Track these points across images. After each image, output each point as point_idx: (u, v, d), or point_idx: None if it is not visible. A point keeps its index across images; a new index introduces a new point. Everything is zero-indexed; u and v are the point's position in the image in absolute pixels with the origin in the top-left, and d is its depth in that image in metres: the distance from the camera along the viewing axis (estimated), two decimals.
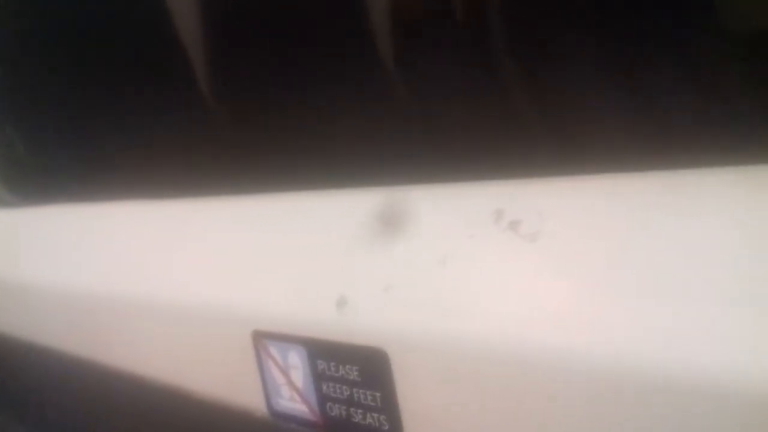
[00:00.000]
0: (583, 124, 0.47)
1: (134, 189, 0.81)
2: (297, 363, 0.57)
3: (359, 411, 0.53)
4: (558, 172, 0.46)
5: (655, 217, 0.41)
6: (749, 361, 0.34)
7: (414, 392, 0.49)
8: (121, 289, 0.78)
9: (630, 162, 0.43)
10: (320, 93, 0.60)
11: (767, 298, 0.35)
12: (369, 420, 0.52)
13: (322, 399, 0.55)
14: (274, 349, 0.58)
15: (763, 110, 0.40)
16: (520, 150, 0.50)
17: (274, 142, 0.65)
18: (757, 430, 0.35)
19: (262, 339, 0.59)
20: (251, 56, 0.65)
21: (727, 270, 0.37)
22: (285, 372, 0.58)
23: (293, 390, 0.58)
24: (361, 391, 0.52)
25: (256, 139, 0.67)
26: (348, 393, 0.53)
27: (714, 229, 0.38)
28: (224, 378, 0.66)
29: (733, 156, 0.39)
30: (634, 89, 0.45)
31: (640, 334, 0.38)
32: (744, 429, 0.35)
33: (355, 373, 0.52)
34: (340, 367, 0.53)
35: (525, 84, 0.49)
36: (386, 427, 0.51)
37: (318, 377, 0.55)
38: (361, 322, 0.52)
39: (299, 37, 0.60)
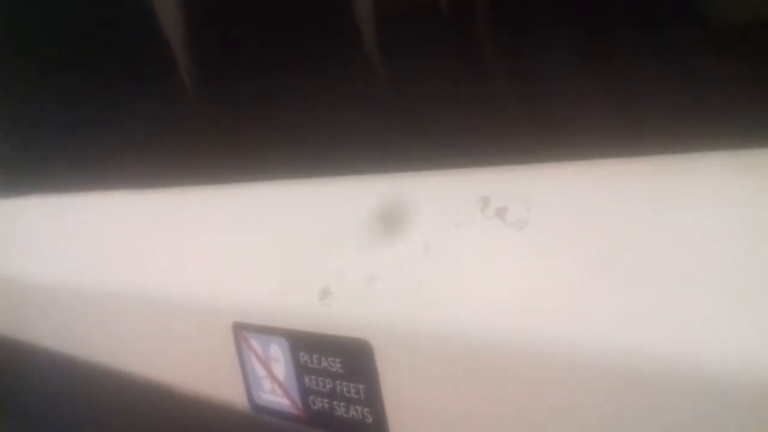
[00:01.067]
0: (569, 110, 0.46)
1: (113, 180, 0.80)
2: (278, 355, 0.55)
3: (342, 404, 0.52)
4: (544, 159, 0.45)
5: (644, 202, 0.40)
6: (744, 351, 0.34)
7: (398, 384, 0.48)
8: (98, 281, 0.77)
9: (617, 147, 0.42)
10: (303, 82, 0.59)
11: (760, 286, 0.35)
12: (352, 413, 0.51)
13: (305, 392, 0.54)
14: (255, 342, 0.57)
15: (744, 96, 0.39)
16: (505, 136, 0.49)
17: (255, 133, 0.64)
18: (748, 417, 0.34)
19: (242, 331, 0.58)
20: (233, 47, 0.64)
21: (719, 256, 0.36)
22: (266, 364, 0.57)
23: (275, 383, 0.57)
24: (344, 383, 0.51)
25: (237, 129, 0.66)
26: (331, 386, 0.52)
27: (704, 214, 0.38)
28: (204, 371, 0.65)
29: (719, 141, 0.38)
30: (619, 75, 0.44)
31: (631, 324, 0.37)
32: (736, 417, 0.34)
33: (338, 365, 0.51)
34: (323, 359, 0.52)
35: (510, 70, 0.49)
36: (370, 420, 0.50)
37: (300, 370, 0.54)
38: (344, 313, 0.51)
39: (282, 27, 0.59)
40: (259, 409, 0.59)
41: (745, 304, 0.35)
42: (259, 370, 0.58)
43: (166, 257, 0.69)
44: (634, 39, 0.43)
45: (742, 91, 0.40)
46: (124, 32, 0.72)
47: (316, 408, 0.54)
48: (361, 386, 0.50)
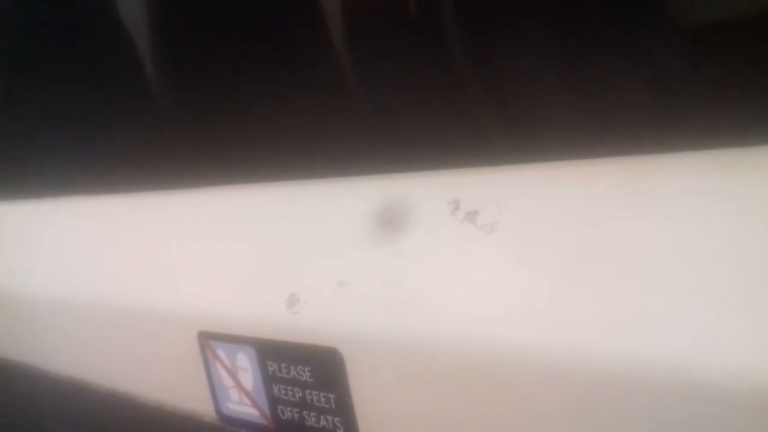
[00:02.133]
0: (539, 111, 0.46)
1: (74, 185, 0.77)
2: (246, 365, 0.54)
3: (312, 414, 0.51)
4: (515, 160, 0.45)
5: (615, 203, 0.39)
6: (723, 352, 0.33)
7: (369, 393, 0.47)
8: (57, 289, 0.74)
9: (588, 148, 0.42)
10: (271, 87, 0.57)
11: (736, 286, 0.34)
12: (323, 423, 0.50)
13: (273, 402, 0.53)
14: (221, 351, 0.56)
15: (713, 95, 0.39)
16: (475, 138, 0.48)
17: (220, 137, 0.63)
18: (729, 420, 0.34)
19: (208, 340, 0.56)
20: (201, 51, 0.62)
21: (693, 256, 0.36)
22: (233, 374, 0.55)
23: (242, 393, 0.55)
24: (314, 392, 0.50)
25: (202, 134, 0.64)
26: (300, 395, 0.51)
27: (676, 214, 0.37)
28: (169, 382, 0.63)
29: (691, 140, 0.38)
30: (589, 75, 0.43)
31: (604, 327, 0.37)
32: (714, 420, 0.34)
33: (308, 374, 0.50)
34: (292, 368, 0.51)
35: (478, 72, 0.48)
36: (341, 430, 0.49)
37: (268, 379, 0.53)
38: (312, 321, 0.49)
39: (251, 31, 0.58)
40: (227, 420, 0.58)
41: (722, 305, 0.34)
42: (226, 380, 0.56)
43: (128, 265, 0.67)
44: (604, 39, 0.42)
45: (711, 91, 0.39)
46: (87, 35, 0.70)
47: (285, 418, 0.53)
48: (332, 395, 0.49)
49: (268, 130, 0.59)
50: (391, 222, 0.48)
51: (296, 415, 0.52)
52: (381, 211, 0.49)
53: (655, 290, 0.36)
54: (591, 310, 0.38)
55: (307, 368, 0.50)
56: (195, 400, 0.60)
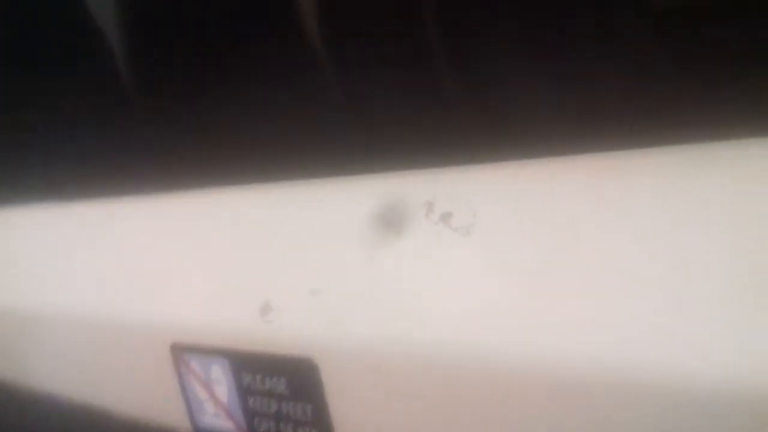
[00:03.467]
0: (513, 109, 0.45)
1: (39, 192, 0.75)
2: (220, 377, 0.53)
3: (289, 425, 0.49)
4: (488, 159, 0.43)
5: (593, 200, 0.38)
6: (696, 357, 0.33)
7: (346, 403, 0.46)
8: (26, 301, 0.72)
9: (562, 145, 0.41)
10: (242, 88, 0.56)
11: (714, 286, 0.33)
12: None
13: (249, 414, 0.52)
14: (195, 363, 0.54)
15: (690, 92, 0.38)
16: (446, 137, 0.47)
17: (189, 141, 0.61)
18: (706, 420, 0.33)
19: (181, 352, 0.55)
20: (173, 50, 0.60)
21: (672, 255, 0.35)
22: (208, 387, 0.54)
23: (217, 406, 0.54)
24: (290, 404, 0.49)
25: (171, 138, 0.63)
26: (276, 407, 0.50)
27: (653, 211, 0.36)
28: (143, 396, 0.62)
29: (667, 136, 0.37)
30: (564, 72, 0.42)
31: (582, 329, 0.36)
32: (692, 420, 0.33)
33: (283, 385, 0.49)
34: (267, 379, 0.49)
35: (453, 71, 0.47)
36: None
37: (243, 391, 0.51)
38: (287, 330, 0.48)
39: (223, 27, 0.56)
40: None
41: (699, 305, 0.34)
42: (201, 393, 0.55)
43: (98, 274, 0.65)
44: (577, 36, 0.41)
45: (685, 86, 0.39)
46: (60, 34, 0.68)
47: (262, 430, 0.51)
48: (308, 406, 0.48)
49: (238, 135, 0.57)
50: (364, 226, 0.47)
51: (272, 427, 0.50)
52: (353, 216, 0.47)
53: (633, 291, 0.35)
54: (570, 313, 0.37)
55: (282, 379, 0.48)
56: (170, 414, 0.59)
